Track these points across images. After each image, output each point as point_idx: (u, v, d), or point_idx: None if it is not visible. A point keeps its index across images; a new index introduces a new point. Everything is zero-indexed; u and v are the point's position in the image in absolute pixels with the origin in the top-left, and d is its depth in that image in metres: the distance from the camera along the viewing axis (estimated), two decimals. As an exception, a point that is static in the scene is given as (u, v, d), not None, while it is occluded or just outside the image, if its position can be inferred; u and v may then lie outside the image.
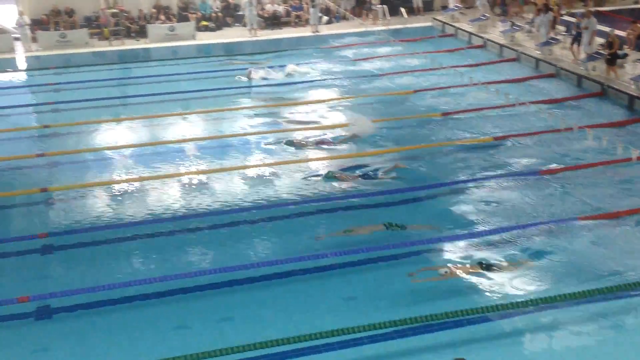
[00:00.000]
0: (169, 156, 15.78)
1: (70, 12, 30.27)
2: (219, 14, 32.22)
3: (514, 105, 18.24)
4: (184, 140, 16.81)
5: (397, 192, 13.43)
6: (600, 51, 20.37)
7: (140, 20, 30.46)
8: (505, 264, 10.44)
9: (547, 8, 23.95)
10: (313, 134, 16.80)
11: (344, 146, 16.00)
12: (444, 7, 32.36)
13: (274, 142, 16.38)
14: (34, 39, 28.90)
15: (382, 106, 19.16)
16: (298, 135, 16.73)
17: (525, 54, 23.30)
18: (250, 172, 14.69)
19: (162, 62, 25.76)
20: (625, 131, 16.41)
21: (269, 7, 32.20)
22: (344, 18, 32.99)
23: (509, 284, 10.02)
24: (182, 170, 14.95)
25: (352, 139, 16.26)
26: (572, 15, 25.26)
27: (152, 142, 16.96)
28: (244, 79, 22.37)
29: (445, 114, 18.05)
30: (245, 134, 17.23)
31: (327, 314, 9.48)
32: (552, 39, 23.11)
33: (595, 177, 13.71)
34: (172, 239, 11.80)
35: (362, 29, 29.37)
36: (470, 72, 21.73)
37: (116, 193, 13.83)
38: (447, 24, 29.52)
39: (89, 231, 12.17)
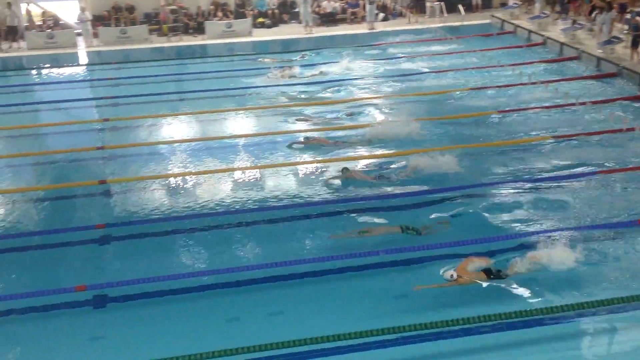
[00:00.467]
0: (222, 151, 15.92)
1: (130, 9, 30.96)
2: (275, 11, 32.44)
3: (574, 104, 17.82)
4: (237, 137, 16.93)
5: (423, 194, 13.00)
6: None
7: (199, 17, 30.92)
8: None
9: (609, 6, 23.34)
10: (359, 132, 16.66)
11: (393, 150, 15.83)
12: (503, 4, 31.87)
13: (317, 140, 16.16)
14: (96, 35, 29.68)
15: (435, 105, 18.88)
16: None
17: (586, 52, 22.74)
18: (301, 170, 14.69)
19: (218, 59, 26.17)
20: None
21: (325, 4, 32.24)
22: (401, 15, 32.80)
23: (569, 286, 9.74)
24: (235, 165, 15.07)
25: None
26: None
27: (207, 137, 17.14)
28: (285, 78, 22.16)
29: (501, 111, 17.74)
30: (292, 132, 17.05)
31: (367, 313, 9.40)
32: (614, 37, 22.48)
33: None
34: (224, 233, 11.86)
35: (419, 26, 29.12)
36: (528, 70, 21.30)
37: (171, 186, 14.06)
38: (506, 21, 29.03)
39: (145, 223, 12.39)
